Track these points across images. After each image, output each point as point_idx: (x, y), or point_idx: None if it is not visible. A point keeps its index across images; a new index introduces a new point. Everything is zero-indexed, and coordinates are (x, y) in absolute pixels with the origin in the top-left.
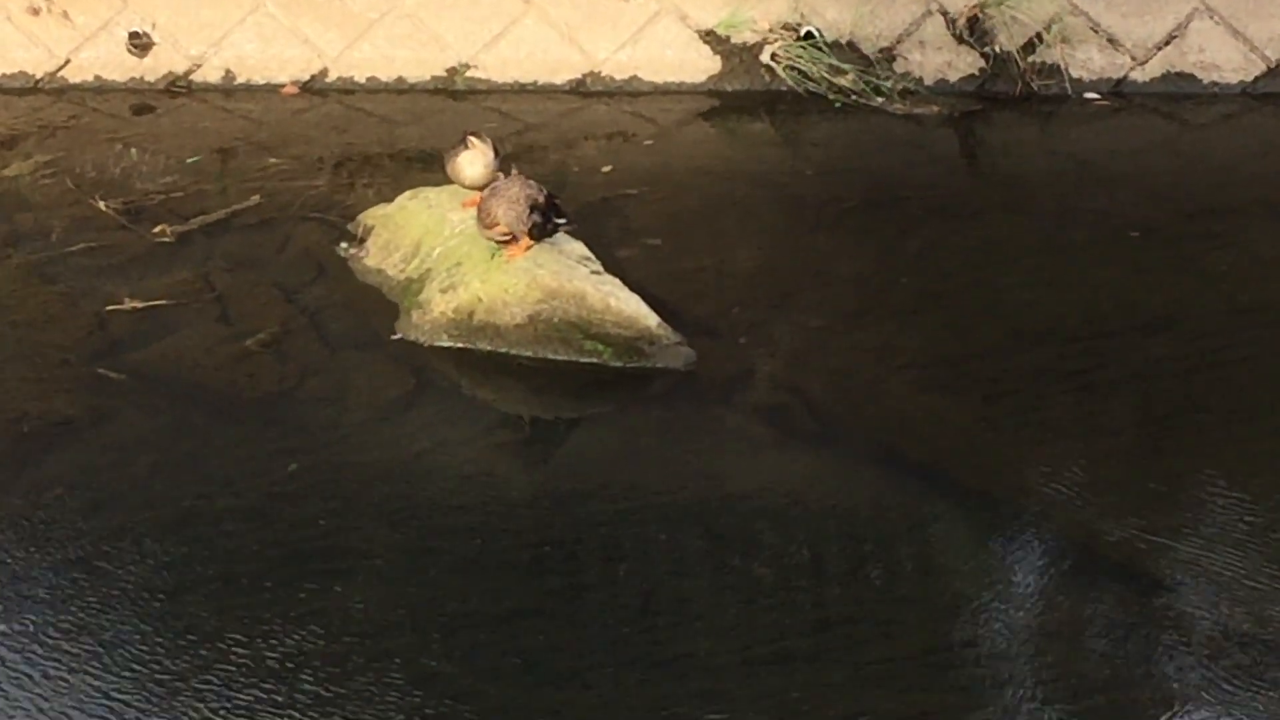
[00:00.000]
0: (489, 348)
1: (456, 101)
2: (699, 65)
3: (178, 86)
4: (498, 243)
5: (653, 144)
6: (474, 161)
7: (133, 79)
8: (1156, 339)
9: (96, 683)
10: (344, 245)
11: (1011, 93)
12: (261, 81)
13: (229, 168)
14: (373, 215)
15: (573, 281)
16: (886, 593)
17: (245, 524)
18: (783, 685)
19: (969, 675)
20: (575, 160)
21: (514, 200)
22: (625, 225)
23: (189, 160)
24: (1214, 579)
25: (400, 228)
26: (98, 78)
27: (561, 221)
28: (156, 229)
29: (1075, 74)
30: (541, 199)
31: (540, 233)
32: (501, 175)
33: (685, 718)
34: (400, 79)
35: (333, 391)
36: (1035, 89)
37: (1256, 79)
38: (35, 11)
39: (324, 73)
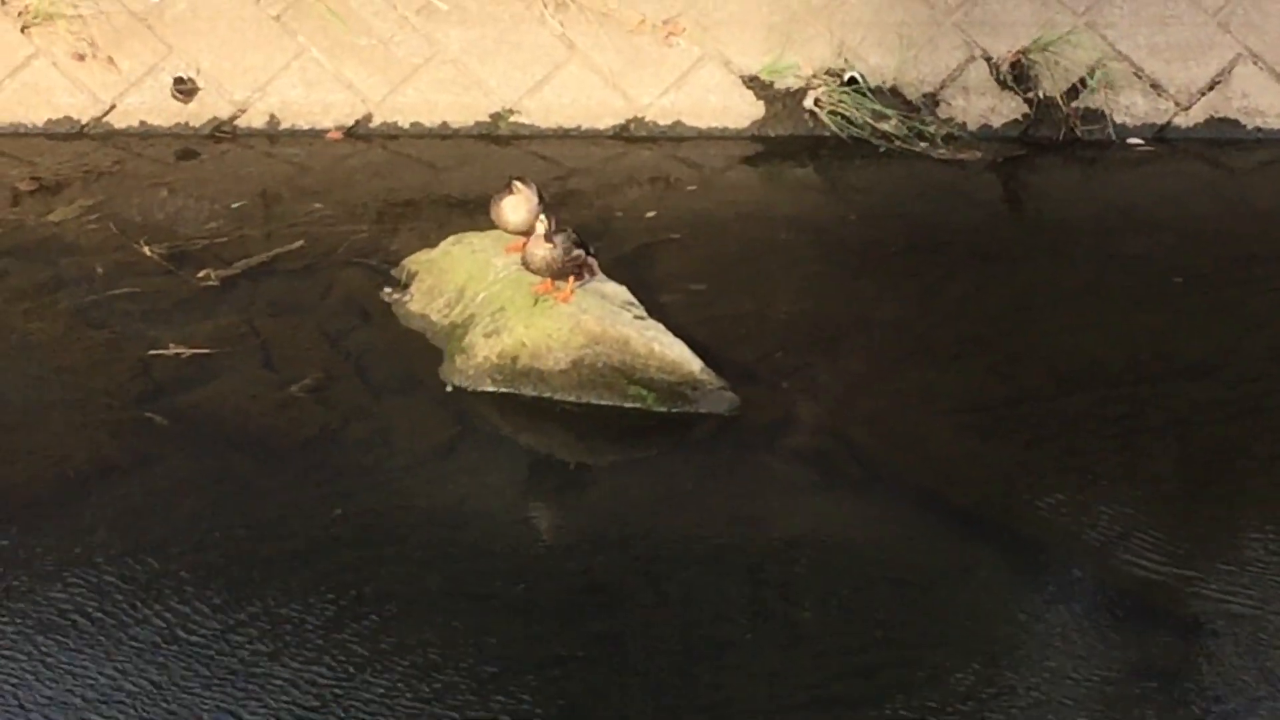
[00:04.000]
0: (533, 393)
1: (500, 147)
2: (742, 111)
3: (222, 132)
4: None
5: (696, 189)
6: (518, 206)
7: (177, 124)
8: (1198, 384)
9: None
10: (388, 290)
11: (1055, 138)
12: (305, 127)
13: (273, 213)
14: (416, 260)
15: (616, 326)
16: (929, 638)
17: (290, 568)
18: None
19: None
20: (618, 205)
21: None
22: (668, 270)
23: (233, 205)
24: (1258, 626)
25: (444, 273)
26: (143, 123)
27: (592, 258)
28: (200, 274)
29: (1119, 119)
30: (572, 243)
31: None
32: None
33: None
34: (444, 124)
35: (377, 436)
36: (1079, 134)
37: None
38: (80, 57)
39: (368, 118)
